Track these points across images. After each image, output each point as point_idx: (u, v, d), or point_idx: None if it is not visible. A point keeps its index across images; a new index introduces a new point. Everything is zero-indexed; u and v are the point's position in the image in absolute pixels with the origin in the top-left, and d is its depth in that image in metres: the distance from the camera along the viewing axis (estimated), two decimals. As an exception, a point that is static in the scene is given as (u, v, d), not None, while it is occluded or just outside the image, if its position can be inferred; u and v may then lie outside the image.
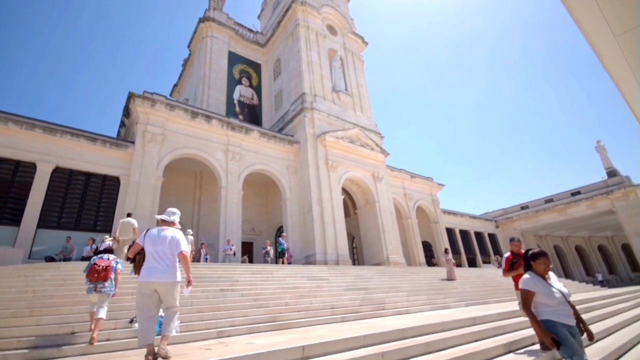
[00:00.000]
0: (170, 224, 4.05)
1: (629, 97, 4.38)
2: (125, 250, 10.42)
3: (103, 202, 14.19)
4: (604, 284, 29.97)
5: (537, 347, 5.10)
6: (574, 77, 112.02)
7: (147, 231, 3.91)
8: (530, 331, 5.89)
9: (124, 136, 18.41)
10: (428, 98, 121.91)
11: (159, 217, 4.12)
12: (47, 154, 13.21)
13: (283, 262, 14.70)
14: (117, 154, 14.68)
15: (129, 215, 11.27)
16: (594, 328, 6.41)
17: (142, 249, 3.86)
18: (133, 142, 15.09)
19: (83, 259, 10.28)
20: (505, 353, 4.67)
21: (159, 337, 3.80)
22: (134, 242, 4.03)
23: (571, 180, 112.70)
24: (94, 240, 11.22)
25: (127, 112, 16.65)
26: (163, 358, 3.54)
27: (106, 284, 5.11)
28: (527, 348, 5.01)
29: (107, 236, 11.07)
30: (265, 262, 15.09)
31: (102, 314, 5.02)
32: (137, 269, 3.89)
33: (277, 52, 27.41)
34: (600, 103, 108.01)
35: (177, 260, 3.85)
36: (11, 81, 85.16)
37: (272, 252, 15.59)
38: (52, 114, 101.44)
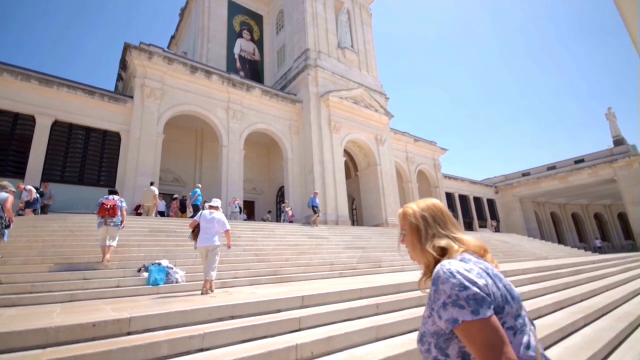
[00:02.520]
0: (216, 208, 5.86)
1: None
2: (154, 215, 12.06)
3: (105, 158, 14.20)
4: (602, 250, 30.69)
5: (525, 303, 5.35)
6: (590, 43, 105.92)
7: (201, 213, 5.76)
8: (518, 288, 6.16)
9: (122, 90, 17.91)
10: (433, 59, 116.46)
11: (208, 204, 6.05)
12: (45, 106, 12.96)
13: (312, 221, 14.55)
14: (116, 108, 14.39)
15: (151, 184, 12.81)
16: (582, 289, 6.70)
17: (198, 224, 5.59)
18: (132, 97, 14.71)
19: (27, 204, 10.03)
20: (494, 308, 4.91)
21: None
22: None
23: (580, 148, 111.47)
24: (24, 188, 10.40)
25: (123, 64, 16.04)
26: (204, 294, 5.23)
27: (114, 219, 6.21)
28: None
29: (21, 184, 10.67)
30: (283, 221, 16.09)
31: (114, 242, 6.19)
32: (195, 237, 5.61)
33: (280, 3, 25.66)
34: (615, 71, 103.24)
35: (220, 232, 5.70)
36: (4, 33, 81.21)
37: (290, 213, 16.21)
38: (45, 66, 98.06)
